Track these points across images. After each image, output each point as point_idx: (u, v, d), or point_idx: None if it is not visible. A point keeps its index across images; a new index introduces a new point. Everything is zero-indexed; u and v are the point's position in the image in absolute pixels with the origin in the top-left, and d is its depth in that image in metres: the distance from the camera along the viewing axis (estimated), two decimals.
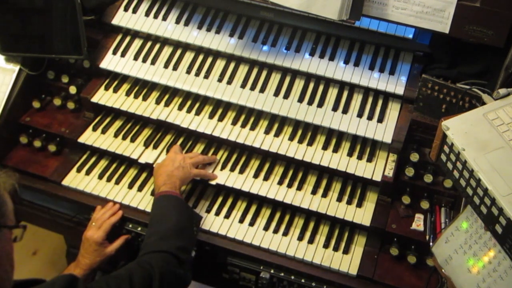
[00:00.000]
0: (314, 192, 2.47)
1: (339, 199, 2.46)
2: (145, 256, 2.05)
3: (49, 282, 1.73)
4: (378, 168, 2.44)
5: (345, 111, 2.52)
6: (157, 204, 2.30)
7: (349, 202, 2.44)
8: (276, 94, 2.59)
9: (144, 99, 2.72)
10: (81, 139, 2.67)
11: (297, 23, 2.66)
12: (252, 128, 2.59)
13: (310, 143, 2.53)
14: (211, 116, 2.63)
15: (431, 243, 2.26)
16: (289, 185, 2.49)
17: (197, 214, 2.42)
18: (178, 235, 2.17)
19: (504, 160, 1.84)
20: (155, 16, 2.77)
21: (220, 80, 2.64)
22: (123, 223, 2.48)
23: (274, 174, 2.54)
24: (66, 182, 2.59)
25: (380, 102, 2.55)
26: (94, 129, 2.70)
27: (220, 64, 2.71)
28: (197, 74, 2.67)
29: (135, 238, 2.48)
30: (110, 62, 2.73)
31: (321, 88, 2.60)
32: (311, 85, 2.61)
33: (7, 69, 2.72)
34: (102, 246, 2.34)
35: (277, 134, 2.56)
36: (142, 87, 2.76)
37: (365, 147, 2.51)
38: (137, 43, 2.80)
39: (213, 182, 2.51)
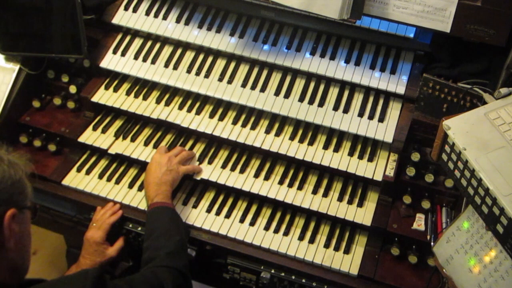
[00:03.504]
0: (315, 192, 2.47)
1: (340, 199, 2.45)
2: (158, 269, 2.05)
3: (81, 273, 1.78)
4: (379, 168, 2.44)
5: (346, 110, 2.52)
6: (156, 217, 2.29)
7: (350, 202, 2.44)
8: (277, 93, 2.58)
9: (145, 98, 2.71)
10: (81, 139, 2.66)
11: (298, 22, 2.66)
12: (253, 127, 2.58)
13: (311, 143, 2.52)
14: (211, 116, 2.63)
15: (432, 243, 2.26)
16: (290, 185, 2.49)
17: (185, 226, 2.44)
18: (183, 251, 2.21)
19: (506, 159, 1.83)
20: (156, 15, 2.76)
21: (220, 79, 2.64)
22: (123, 222, 2.47)
23: (274, 174, 2.54)
24: (66, 181, 2.59)
25: (381, 102, 2.54)
26: (94, 129, 2.70)
27: (220, 63, 2.70)
28: (197, 74, 2.67)
29: (135, 238, 2.47)
30: (110, 61, 2.73)
31: (322, 87, 2.60)
32: (312, 85, 2.61)
33: (7, 69, 2.72)
34: (102, 246, 2.34)
35: (277, 134, 2.56)
36: (142, 86, 2.75)
37: (366, 146, 2.51)
38: (138, 42, 2.80)
39: (214, 181, 2.51)
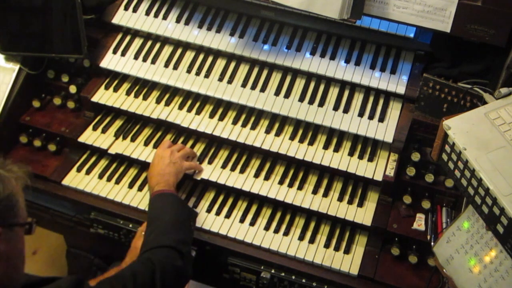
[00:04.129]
0: (315, 192, 2.47)
1: (340, 199, 2.45)
2: (146, 254, 2.04)
3: (56, 284, 1.71)
4: (379, 168, 2.43)
5: (346, 110, 2.51)
6: (152, 204, 2.29)
7: (350, 202, 2.43)
8: (277, 93, 2.58)
9: (145, 98, 2.71)
10: (81, 139, 2.66)
11: (298, 22, 2.66)
12: (253, 127, 2.58)
13: (311, 143, 2.52)
14: (211, 116, 2.62)
15: (432, 243, 2.26)
16: (290, 185, 2.49)
17: (193, 209, 2.42)
18: (176, 228, 2.17)
19: (506, 159, 1.83)
20: (156, 15, 2.76)
21: (220, 79, 2.64)
22: None
23: (274, 174, 2.54)
24: (66, 181, 2.59)
25: (381, 102, 2.54)
26: (94, 129, 2.70)
27: (220, 63, 2.70)
28: (197, 74, 2.67)
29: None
30: (110, 61, 2.73)
31: (322, 87, 2.59)
32: (312, 85, 2.60)
33: (7, 68, 2.71)
34: None
35: (278, 134, 2.55)
36: (142, 86, 2.75)
37: (366, 146, 2.51)
38: (138, 42, 2.79)
39: (214, 181, 2.51)
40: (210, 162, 2.57)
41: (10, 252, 1.58)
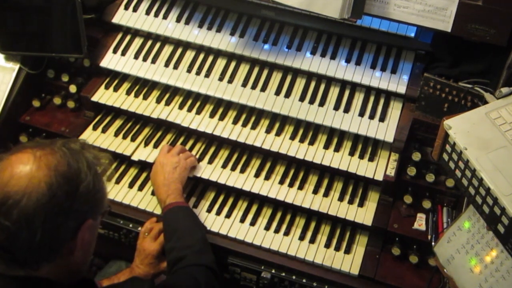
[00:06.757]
0: (315, 191, 2.47)
1: (341, 199, 2.45)
2: (190, 268, 2.06)
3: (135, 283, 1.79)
4: (379, 168, 2.43)
5: (346, 110, 2.51)
6: (173, 218, 2.27)
7: (350, 202, 2.43)
8: (277, 93, 2.58)
9: (145, 98, 2.71)
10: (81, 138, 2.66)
11: (298, 21, 2.65)
12: (253, 127, 2.58)
13: (311, 142, 2.52)
14: (212, 115, 2.62)
15: (433, 243, 2.26)
16: (290, 185, 2.48)
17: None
18: (207, 247, 2.21)
19: (507, 159, 1.83)
20: (156, 15, 2.76)
21: (221, 79, 2.64)
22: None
23: (275, 174, 2.53)
24: None
25: (381, 101, 2.54)
26: (94, 128, 2.70)
27: (221, 63, 2.70)
28: (198, 73, 2.66)
29: (135, 238, 2.47)
30: (110, 61, 2.73)
31: (322, 87, 2.59)
32: (313, 84, 2.60)
33: (7, 68, 2.71)
34: (158, 259, 2.28)
35: (278, 133, 2.55)
36: (142, 86, 2.75)
37: (367, 146, 2.50)
38: (138, 41, 2.79)
39: (214, 181, 2.51)
40: (210, 162, 2.57)
41: (92, 240, 1.64)
